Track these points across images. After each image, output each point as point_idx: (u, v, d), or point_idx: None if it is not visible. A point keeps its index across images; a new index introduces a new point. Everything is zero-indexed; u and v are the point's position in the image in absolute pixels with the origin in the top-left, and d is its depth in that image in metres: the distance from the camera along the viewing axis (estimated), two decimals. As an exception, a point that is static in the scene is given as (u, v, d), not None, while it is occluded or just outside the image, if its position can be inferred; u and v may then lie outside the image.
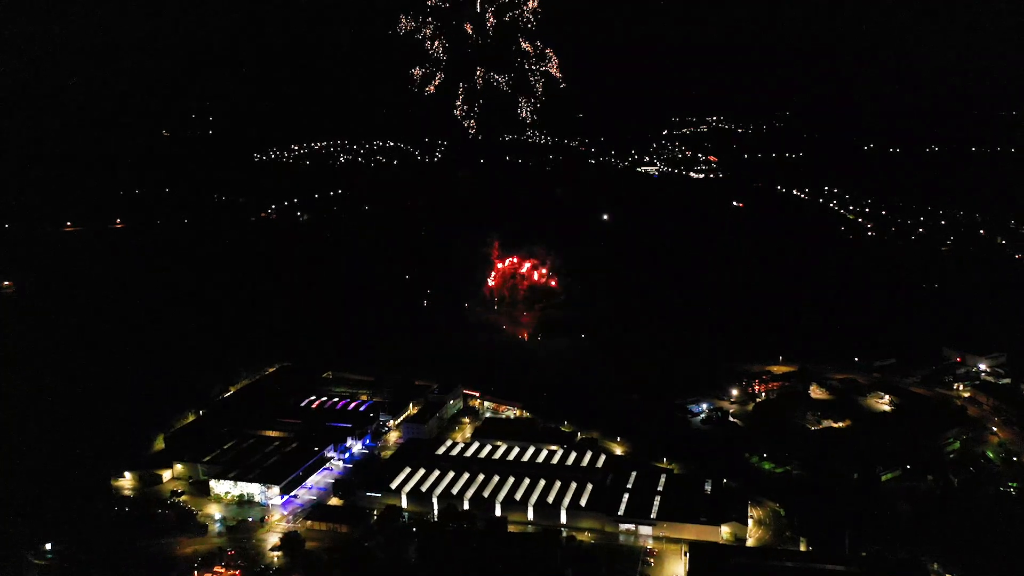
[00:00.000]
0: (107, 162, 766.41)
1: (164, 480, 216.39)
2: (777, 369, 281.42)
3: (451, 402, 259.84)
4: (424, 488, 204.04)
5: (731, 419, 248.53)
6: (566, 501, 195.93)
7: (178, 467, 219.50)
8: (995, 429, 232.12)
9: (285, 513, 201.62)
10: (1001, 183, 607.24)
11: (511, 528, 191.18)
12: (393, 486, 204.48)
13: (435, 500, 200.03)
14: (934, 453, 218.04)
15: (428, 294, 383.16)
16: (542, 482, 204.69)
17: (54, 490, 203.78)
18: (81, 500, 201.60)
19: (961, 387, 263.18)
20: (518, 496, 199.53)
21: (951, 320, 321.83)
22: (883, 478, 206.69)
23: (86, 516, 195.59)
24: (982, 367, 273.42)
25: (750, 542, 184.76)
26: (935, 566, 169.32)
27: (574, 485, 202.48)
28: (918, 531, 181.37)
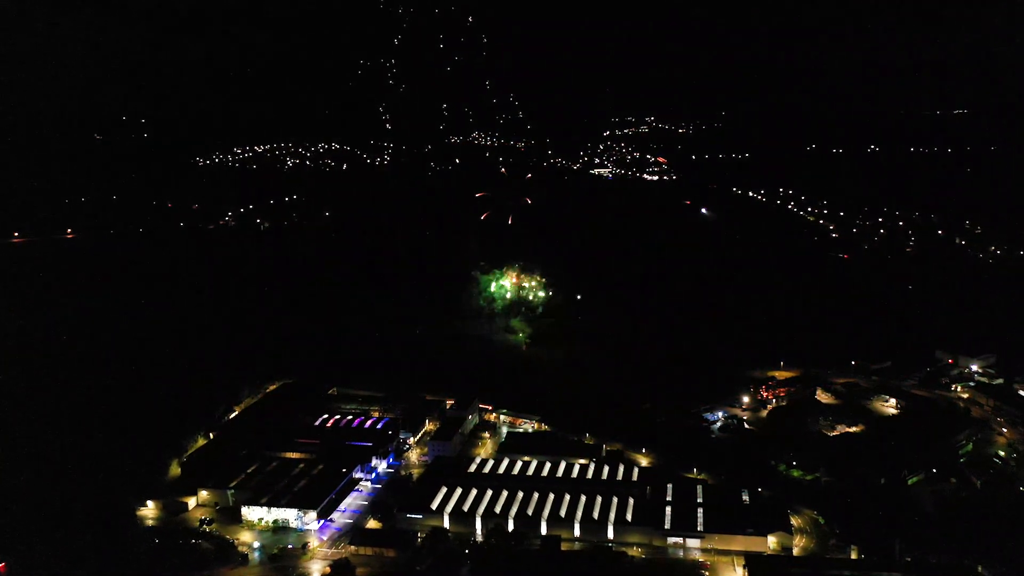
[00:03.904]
0: (37, 167, 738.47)
1: (190, 508, 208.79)
2: (780, 374, 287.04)
3: (469, 417, 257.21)
4: (466, 508, 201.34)
5: (746, 426, 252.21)
6: (611, 516, 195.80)
7: (203, 494, 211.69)
8: (1004, 430, 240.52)
9: (323, 539, 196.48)
10: (946, 183, 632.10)
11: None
12: (434, 506, 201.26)
13: (479, 520, 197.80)
14: (949, 455, 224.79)
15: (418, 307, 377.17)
16: (583, 497, 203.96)
17: (80, 524, 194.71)
18: (110, 533, 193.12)
19: (959, 388, 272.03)
20: (563, 513, 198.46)
21: (937, 322, 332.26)
22: (909, 482, 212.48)
23: (119, 550, 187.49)
24: (974, 368, 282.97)
25: (795, 551, 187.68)
26: (980, 568, 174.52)
27: (615, 500, 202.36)
28: (952, 534, 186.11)
